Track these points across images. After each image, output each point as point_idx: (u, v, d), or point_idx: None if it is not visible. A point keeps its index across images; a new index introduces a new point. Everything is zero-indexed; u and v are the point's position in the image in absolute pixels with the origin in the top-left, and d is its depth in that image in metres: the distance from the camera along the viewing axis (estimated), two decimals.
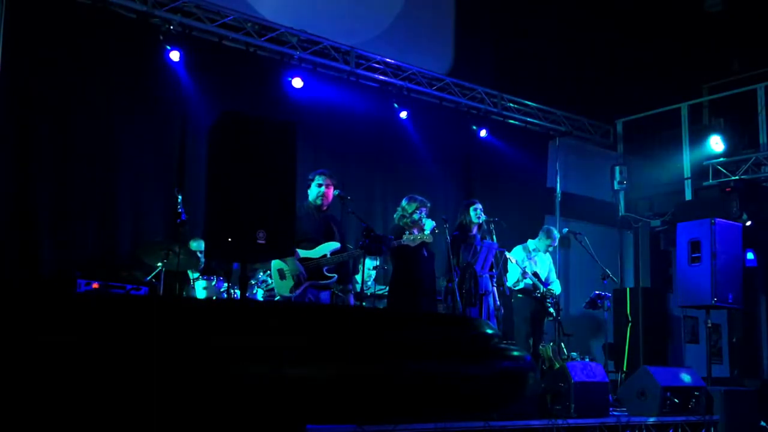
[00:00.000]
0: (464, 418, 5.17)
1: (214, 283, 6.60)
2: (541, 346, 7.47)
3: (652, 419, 6.60)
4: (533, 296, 7.74)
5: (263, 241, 4.06)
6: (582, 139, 11.62)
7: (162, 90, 7.70)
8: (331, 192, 6.02)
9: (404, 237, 6.21)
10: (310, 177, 6.09)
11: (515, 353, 2.15)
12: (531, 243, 8.07)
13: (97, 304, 1.71)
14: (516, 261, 7.68)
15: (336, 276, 5.97)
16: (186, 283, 6.71)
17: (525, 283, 7.75)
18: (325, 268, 5.86)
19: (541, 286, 7.76)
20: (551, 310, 7.67)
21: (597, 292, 8.48)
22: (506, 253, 7.69)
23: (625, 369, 9.33)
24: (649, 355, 10.16)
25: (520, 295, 7.82)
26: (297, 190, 4.59)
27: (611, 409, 6.84)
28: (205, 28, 8.02)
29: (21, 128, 6.88)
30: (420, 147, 9.57)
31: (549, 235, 8.11)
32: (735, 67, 11.88)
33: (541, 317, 7.82)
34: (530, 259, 7.91)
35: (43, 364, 1.51)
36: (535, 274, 7.74)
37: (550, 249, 8.21)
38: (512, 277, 7.76)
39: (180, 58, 7.63)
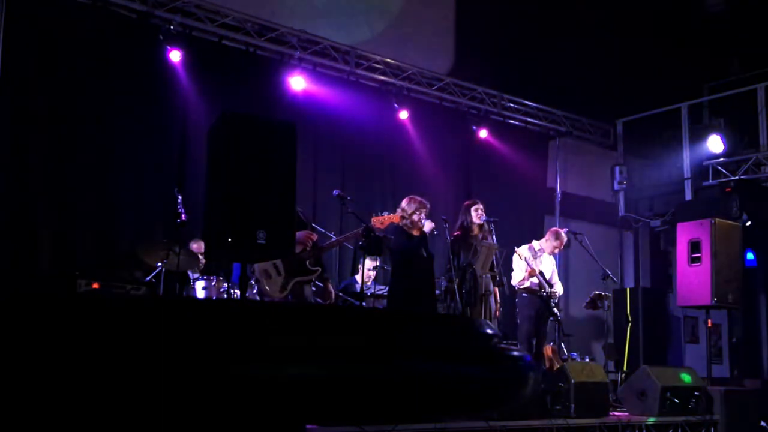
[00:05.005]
0: (464, 418, 5.18)
1: (214, 283, 6.60)
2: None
3: (652, 419, 6.61)
4: (538, 295, 7.61)
5: (263, 241, 4.06)
6: (582, 139, 11.62)
7: (162, 90, 7.70)
8: None
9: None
10: None
11: (515, 353, 2.15)
12: (536, 243, 7.96)
13: (100, 304, 1.71)
14: (525, 258, 7.54)
15: (320, 269, 5.99)
16: (186, 283, 6.71)
17: (531, 282, 7.62)
18: (306, 262, 5.87)
19: (546, 286, 7.65)
20: (554, 310, 7.58)
21: (597, 292, 8.47)
22: (516, 249, 7.64)
23: (625, 369, 9.32)
24: (649, 355, 10.16)
25: (524, 294, 7.69)
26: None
27: (611, 409, 6.85)
28: (205, 28, 8.02)
29: (21, 128, 6.88)
30: (420, 147, 9.57)
31: (557, 237, 7.91)
32: (735, 67, 11.87)
33: (544, 317, 7.72)
34: (536, 258, 7.82)
35: (44, 366, 1.50)
36: (541, 274, 7.62)
37: (556, 251, 8.08)
38: (517, 276, 7.65)
39: (180, 58, 7.63)
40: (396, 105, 9.27)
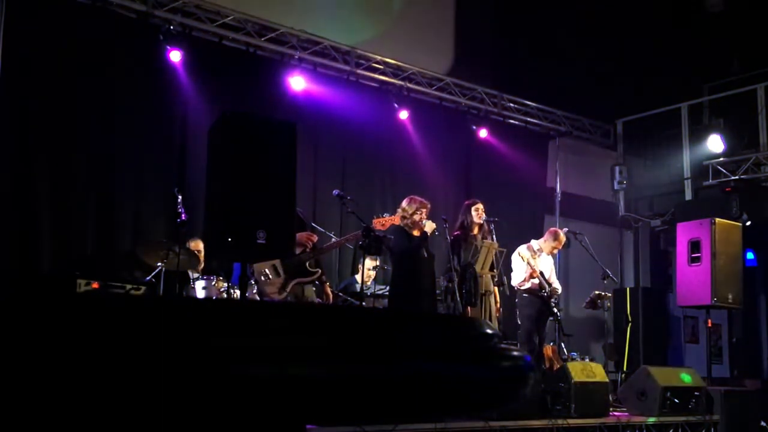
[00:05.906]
0: (464, 418, 5.18)
1: (213, 283, 6.60)
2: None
3: (652, 419, 6.61)
4: (539, 295, 7.57)
5: (263, 241, 4.06)
6: (582, 139, 11.62)
7: (162, 90, 7.70)
8: None
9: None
10: None
11: (515, 353, 2.15)
12: (535, 243, 7.93)
13: (100, 304, 1.71)
14: (527, 259, 7.50)
15: (319, 270, 6.02)
16: (186, 283, 6.71)
17: (531, 283, 7.58)
18: (306, 263, 5.90)
19: (546, 286, 7.60)
20: (555, 310, 7.56)
21: (597, 291, 8.46)
22: (518, 250, 7.62)
23: (625, 369, 9.32)
24: (649, 355, 10.16)
25: (525, 294, 7.65)
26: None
27: (611, 409, 6.85)
28: (205, 28, 8.02)
29: (21, 128, 6.88)
30: (420, 147, 9.56)
31: (555, 237, 7.85)
32: (735, 67, 11.87)
33: (545, 316, 7.69)
34: (535, 258, 7.78)
35: (44, 366, 1.50)
36: (541, 274, 7.59)
37: (555, 252, 8.04)
38: (518, 277, 7.62)
39: (180, 58, 7.62)
40: (396, 105, 9.26)
